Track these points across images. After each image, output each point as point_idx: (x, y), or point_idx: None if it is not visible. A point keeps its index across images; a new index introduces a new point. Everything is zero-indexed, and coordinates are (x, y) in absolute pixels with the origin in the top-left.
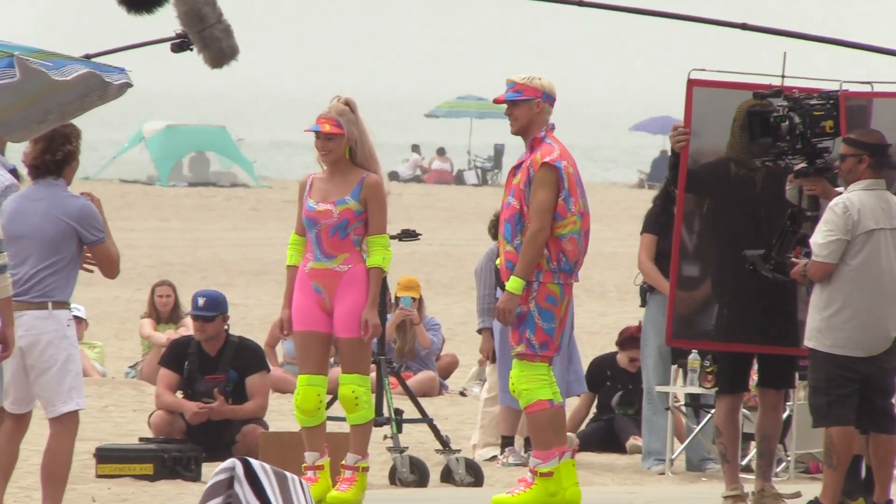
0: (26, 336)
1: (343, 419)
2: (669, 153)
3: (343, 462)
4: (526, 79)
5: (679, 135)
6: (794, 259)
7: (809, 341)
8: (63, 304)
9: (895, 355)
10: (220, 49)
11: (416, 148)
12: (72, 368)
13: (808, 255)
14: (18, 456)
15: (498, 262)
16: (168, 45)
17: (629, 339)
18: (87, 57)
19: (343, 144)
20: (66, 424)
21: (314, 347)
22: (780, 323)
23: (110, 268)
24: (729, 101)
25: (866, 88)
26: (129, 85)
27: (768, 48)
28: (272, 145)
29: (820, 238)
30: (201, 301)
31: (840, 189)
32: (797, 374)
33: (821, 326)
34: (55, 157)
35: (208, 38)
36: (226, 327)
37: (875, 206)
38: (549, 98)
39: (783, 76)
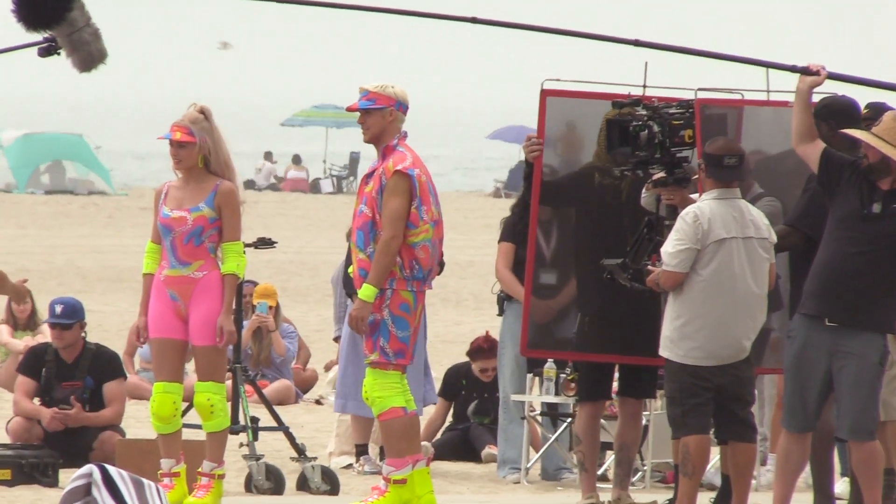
0: None
1: (199, 426)
2: (524, 163)
3: (199, 469)
4: (379, 87)
5: (532, 145)
6: (649, 267)
7: (663, 351)
8: None
9: (751, 364)
10: (88, 52)
11: (268, 155)
12: None
13: None
14: None
15: (350, 269)
16: (35, 49)
17: (478, 349)
18: None
19: (195, 152)
20: None
21: (170, 355)
22: (641, 333)
23: None
24: (584, 111)
25: (736, 96)
26: None
27: (627, 59)
28: (130, 153)
29: (670, 247)
30: (59, 308)
31: (696, 197)
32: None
33: (673, 336)
34: None
35: (77, 41)
36: (83, 335)
37: (727, 215)
38: (401, 106)
39: (644, 86)
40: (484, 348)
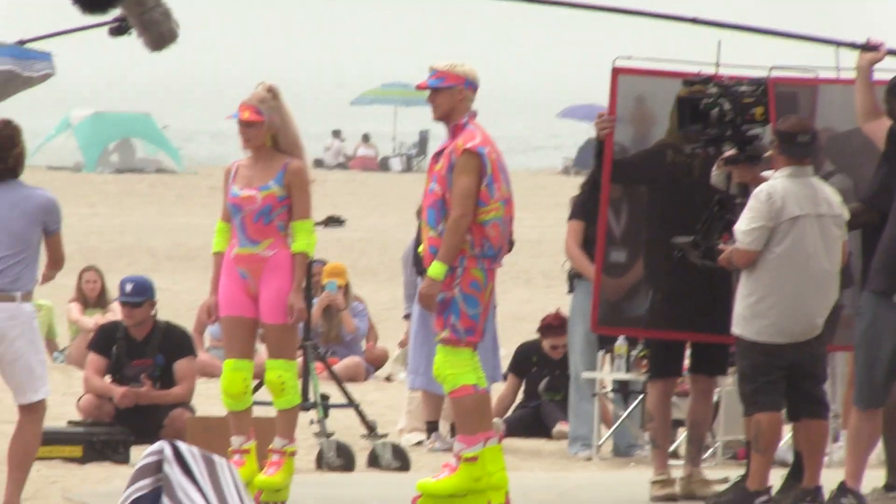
0: None
1: (270, 404)
2: (595, 141)
3: (270, 446)
4: (448, 66)
5: (604, 122)
6: (721, 246)
7: (736, 328)
8: (29, 296)
9: (824, 342)
10: (159, 32)
11: (337, 133)
12: (40, 358)
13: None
14: None
15: (420, 248)
16: (106, 29)
17: (548, 327)
18: (21, 42)
19: (263, 131)
20: (36, 411)
21: (240, 332)
22: (712, 310)
23: (61, 258)
24: (655, 89)
25: (810, 74)
26: (51, 74)
27: (689, 37)
28: (200, 132)
29: (743, 225)
30: (129, 287)
31: (767, 174)
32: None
33: (745, 314)
34: (7, 166)
35: (148, 21)
36: (153, 313)
37: (800, 193)
38: (471, 85)
39: (717, 64)
40: (554, 325)
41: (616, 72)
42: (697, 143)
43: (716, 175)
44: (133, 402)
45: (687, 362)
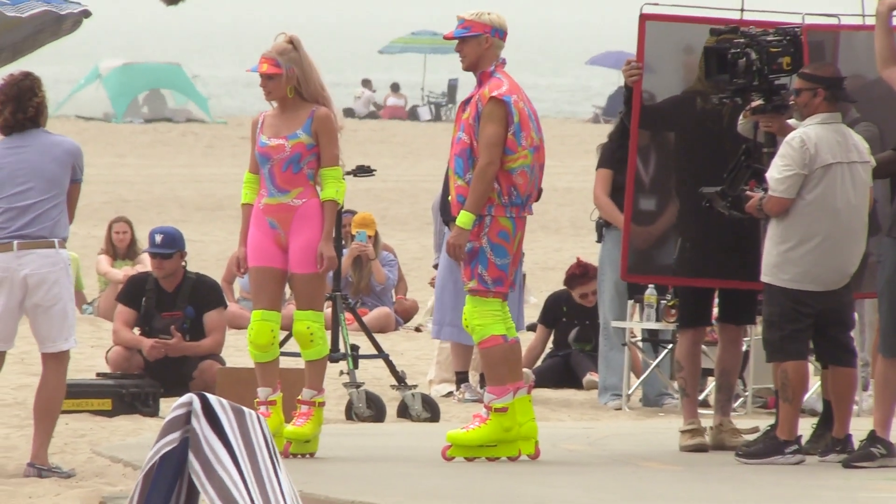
0: (35, 275)
1: (298, 355)
2: (624, 88)
3: (299, 397)
4: (475, 15)
5: (632, 69)
6: (748, 192)
7: (766, 276)
8: (64, 243)
9: (851, 289)
10: None
11: (367, 83)
12: (72, 306)
13: (766, 189)
14: None
15: (450, 197)
16: None
17: (572, 277)
18: None
19: (283, 83)
20: (62, 361)
21: (269, 283)
22: (741, 258)
23: (73, 211)
24: (683, 36)
25: (832, 21)
26: (80, 22)
27: None
28: (230, 82)
29: (777, 172)
30: (159, 238)
31: (793, 122)
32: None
33: (777, 261)
34: (27, 115)
35: None
36: (183, 264)
37: (832, 140)
38: (498, 33)
39: (742, 10)
40: (578, 274)
41: (643, 18)
42: (725, 92)
43: (742, 124)
44: (162, 355)
45: (716, 311)
